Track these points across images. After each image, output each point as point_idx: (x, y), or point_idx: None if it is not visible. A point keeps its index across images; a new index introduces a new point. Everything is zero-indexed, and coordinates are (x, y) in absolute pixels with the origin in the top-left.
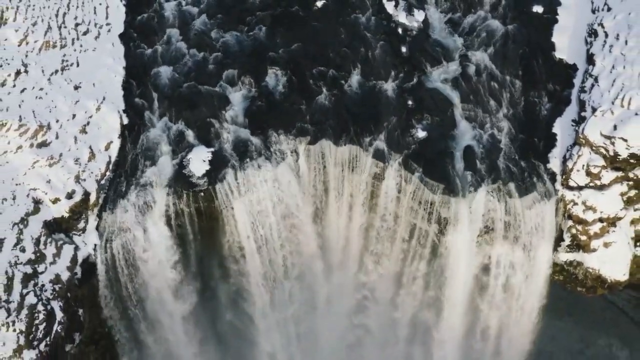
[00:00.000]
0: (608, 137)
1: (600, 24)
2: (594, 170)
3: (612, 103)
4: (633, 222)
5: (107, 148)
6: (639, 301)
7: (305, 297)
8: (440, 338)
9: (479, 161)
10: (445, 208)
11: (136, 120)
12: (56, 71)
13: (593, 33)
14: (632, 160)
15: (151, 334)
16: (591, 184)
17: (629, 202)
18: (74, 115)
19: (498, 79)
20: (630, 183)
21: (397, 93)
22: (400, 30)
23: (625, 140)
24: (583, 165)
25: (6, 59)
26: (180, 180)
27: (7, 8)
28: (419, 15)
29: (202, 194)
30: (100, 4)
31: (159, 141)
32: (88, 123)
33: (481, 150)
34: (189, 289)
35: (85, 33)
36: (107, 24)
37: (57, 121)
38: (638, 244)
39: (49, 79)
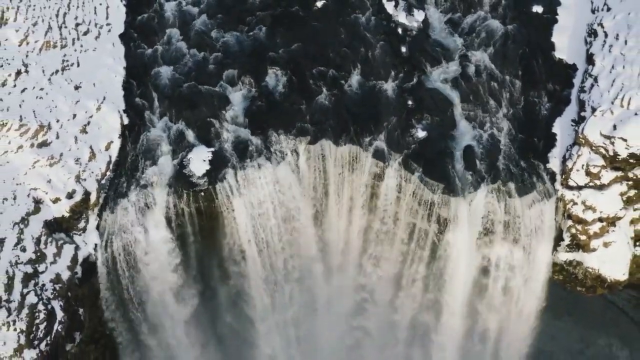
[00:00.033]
0: (608, 137)
1: (600, 24)
2: (594, 170)
3: (612, 103)
4: (632, 221)
5: (107, 148)
6: (638, 301)
7: (305, 299)
8: (440, 340)
9: (479, 161)
10: (445, 208)
11: (136, 120)
12: (57, 71)
13: (593, 33)
14: (631, 160)
15: (153, 336)
16: (591, 184)
17: (628, 202)
18: (74, 115)
19: (498, 79)
20: (630, 183)
21: (397, 93)
22: (400, 30)
23: (625, 140)
24: (583, 165)
25: (7, 59)
26: (180, 180)
27: (8, 8)
28: (419, 15)
29: (202, 193)
30: (101, 4)
31: (159, 141)
32: (88, 123)
33: (481, 150)
34: (190, 292)
35: (85, 33)
36: (108, 24)
37: (58, 121)
38: (637, 243)
39: (49, 79)
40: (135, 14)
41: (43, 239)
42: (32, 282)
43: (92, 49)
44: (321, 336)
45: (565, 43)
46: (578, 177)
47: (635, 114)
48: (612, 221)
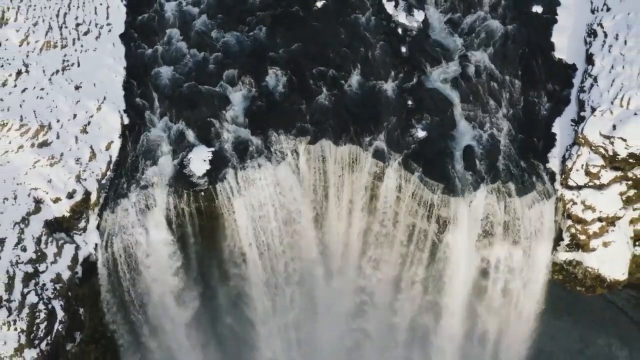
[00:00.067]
0: (607, 137)
1: (600, 24)
2: (593, 170)
3: (612, 103)
4: (632, 221)
5: (107, 148)
6: (638, 301)
7: (305, 302)
8: (439, 342)
9: (479, 161)
10: (444, 208)
11: (137, 120)
12: (57, 71)
13: (592, 33)
14: (631, 160)
15: (154, 339)
16: (590, 184)
17: (628, 202)
18: (74, 115)
19: (498, 79)
20: (630, 183)
21: (397, 93)
22: (400, 31)
23: (625, 140)
24: (582, 165)
25: (7, 59)
26: (180, 180)
27: (8, 8)
28: (419, 16)
29: (202, 193)
30: (101, 4)
31: (160, 141)
32: (89, 123)
33: (481, 150)
34: (191, 294)
35: (86, 33)
36: (108, 24)
37: (58, 121)
38: (637, 243)
39: (49, 79)
40: (136, 14)
41: (43, 238)
42: (33, 281)
43: (93, 49)
44: (321, 338)
45: (565, 43)
46: (578, 177)
47: (635, 114)
48: (611, 221)
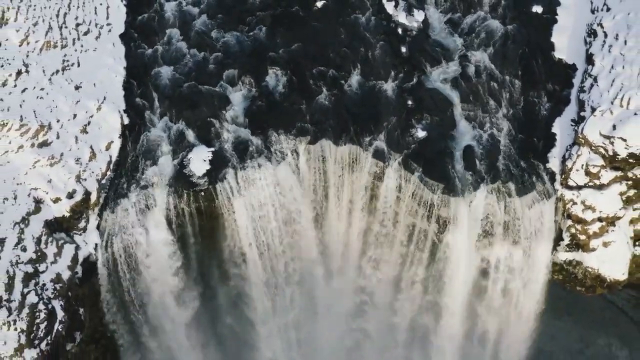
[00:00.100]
0: (607, 137)
1: (600, 24)
2: (593, 170)
3: (612, 103)
4: (632, 221)
5: (107, 148)
6: (638, 301)
7: (305, 302)
8: (439, 342)
9: (479, 161)
10: (444, 208)
11: (137, 120)
12: (57, 71)
13: (592, 33)
14: (631, 160)
15: (154, 339)
16: (590, 184)
17: (628, 202)
18: (74, 115)
19: (498, 79)
20: (630, 183)
21: (397, 93)
22: (400, 31)
23: (625, 140)
24: (582, 165)
25: (7, 59)
26: (180, 180)
27: (8, 8)
28: (419, 16)
29: (202, 193)
30: (101, 4)
31: (160, 141)
32: (89, 123)
33: (481, 150)
34: (191, 294)
35: (86, 33)
36: (108, 24)
37: (58, 121)
38: (637, 243)
39: (49, 79)
40: (136, 14)
41: (43, 238)
42: (33, 281)
43: (93, 49)
44: (321, 338)
45: (565, 43)
46: (578, 177)
47: (635, 114)
48: (611, 221)
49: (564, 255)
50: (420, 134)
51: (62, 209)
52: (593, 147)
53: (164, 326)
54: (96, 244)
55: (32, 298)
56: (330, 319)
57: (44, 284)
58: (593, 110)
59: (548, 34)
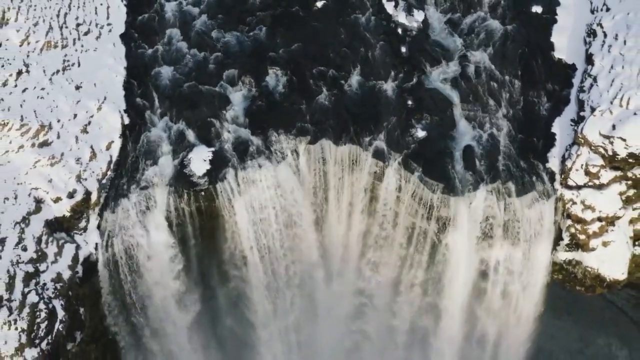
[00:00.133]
0: (607, 137)
1: (599, 24)
2: (593, 170)
3: (611, 103)
4: (632, 221)
5: (108, 148)
6: (638, 300)
7: (305, 304)
8: (438, 345)
9: (479, 161)
10: (444, 208)
11: (137, 120)
12: (57, 71)
13: (592, 33)
14: (630, 160)
15: (155, 341)
16: (590, 184)
17: (627, 202)
18: (75, 115)
19: (497, 79)
20: (629, 182)
21: (396, 93)
22: (400, 31)
23: (624, 140)
24: (582, 165)
25: (8, 59)
26: (181, 180)
27: (9, 8)
28: (419, 16)
29: (202, 193)
30: (101, 4)
31: (160, 141)
32: (89, 123)
33: (480, 150)
34: (192, 297)
35: (86, 33)
36: (108, 24)
37: (59, 121)
38: (637, 243)
39: (50, 79)
40: (136, 14)
41: (44, 238)
42: (33, 281)
43: (93, 49)
44: (321, 341)
45: (565, 43)
46: (577, 176)
47: (635, 114)
48: (611, 221)
49: (563, 255)
50: (420, 134)
51: (63, 209)
52: (593, 147)
53: (166, 329)
54: (97, 244)
55: (32, 297)
56: (330, 321)
57: (44, 284)
58: (593, 110)
59: (548, 34)
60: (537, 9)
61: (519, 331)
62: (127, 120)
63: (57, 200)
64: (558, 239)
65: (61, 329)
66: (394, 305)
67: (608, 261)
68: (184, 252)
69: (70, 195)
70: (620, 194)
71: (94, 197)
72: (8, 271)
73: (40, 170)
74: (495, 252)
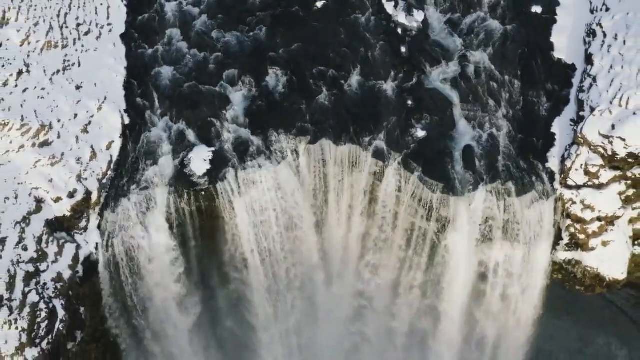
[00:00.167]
0: (606, 137)
1: (599, 24)
2: (593, 170)
3: (611, 103)
4: (631, 220)
5: (108, 147)
6: (637, 300)
7: (306, 307)
8: (437, 347)
9: (478, 160)
10: (444, 208)
11: (137, 120)
12: (58, 71)
13: (592, 33)
14: (630, 160)
15: (156, 343)
16: (589, 183)
17: (627, 201)
18: (75, 115)
19: (497, 79)
20: (629, 182)
21: (396, 93)
22: (400, 31)
23: (624, 140)
24: (581, 165)
25: (8, 59)
26: (181, 180)
27: (9, 8)
28: (419, 16)
29: (203, 193)
30: (102, 5)
31: (160, 141)
32: (89, 123)
33: (480, 150)
34: (193, 300)
35: (86, 33)
36: (109, 24)
37: (59, 121)
38: (636, 242)
39: (50, 79)
40: (136, 14)
41: (44, 238)
42: (34, 280)
43: (93, 49)
44: (321, 343)
45: (564, 43)
46: (577, 176)
47: (634, 114)
48: (610, 220)
49: (563, 255)
50: (420, 133)
51: (63, 209)
52: (592, 147)
53: (167, 331)
54: (97, 244)
55: (33, 297)
56: (329, 323)
57: (45, 283)
58: (592, 110)
59: (547, 34)
60: (537, 9)
61: (518, 334)
62: (127, 120)
63: (57, 200)
64: (558, 238)
65: (62, 329)
66: (393, 308)
67: (607, 261)
68: (184, 254)
69: (71, 195)
70: (620, 193)
71: (94, 196)
72: (8, 271)
73: (41, 170)
74: (495, 254)
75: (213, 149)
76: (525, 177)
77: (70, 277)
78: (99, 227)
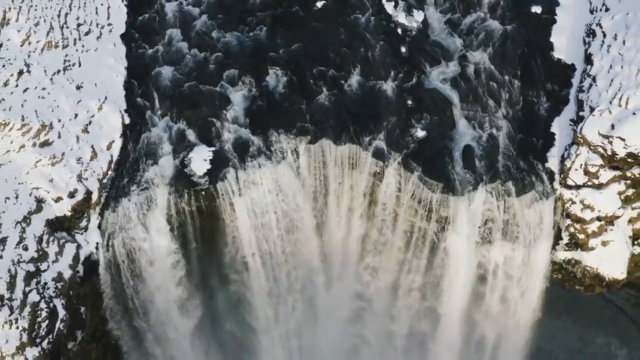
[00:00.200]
0: (606, 137)
1: (599, 24)
2: (592, 169)
3: (610, 102)
4: (631, 220)
5: (109, 147)
6: (637, 300)
7: (306, 309)
8: (437, 349)
9: (478, 160)
10: (444, 207)
11: (138, 120)
12: (58, 71)
13: (591, 33)
14: (629, 160)
15: (157, 345)
16: (589, 183)
17: (626, 201)
18: (76, 115)
19: (497, 79)
20: (628, 182)
21: (396, 93)
22: (399, 31)
23: (623, 140)
24: (581, 165)
25: (9, 59)
26: (181, 179)
27: (10, 8)
28: (419, 16)
29: (203, 192)
30: (102, 5)
31: (161, 140)
32: (90, 122)
33: (480, 150)
34: (194, 303)
35: (87, 33)
36: (109, 24)
37: (59, 121)
38: (636, 242)
39: (51, 79)
40: (137, 14)
41: (45, 237)
42: (34, 280)
43: (94, 49)
44: (321, 345)
45: (564, 43)
46: (576, 176)
47: (634, 114)
48: (610, 220)
49: (563, 255)
50: (420, 133)
51: (64, 208)
52: (592, 147)
53: (168, 334)
54: (97, 243)
55: (33, 297)
56: (329, 325)
57: (45, 283)
58: (592, 110)
59: (547, 34)
60: (536, 9)
61: (517, 335)
62: (127, 120)
63: (58, 199)
64: (557, 238)
65: (62, 328)
66: (392, 310)
67: (607, 260)
68: (185, 256)
69: (71, 194)
70: (619, 193)
71: (94, 196)
72: (9, 270)
73: (41, 169)
74: (495, 253)
75: (213, 148)
76: (525, 177)
77: (71, 276)
78: (99, 226)
